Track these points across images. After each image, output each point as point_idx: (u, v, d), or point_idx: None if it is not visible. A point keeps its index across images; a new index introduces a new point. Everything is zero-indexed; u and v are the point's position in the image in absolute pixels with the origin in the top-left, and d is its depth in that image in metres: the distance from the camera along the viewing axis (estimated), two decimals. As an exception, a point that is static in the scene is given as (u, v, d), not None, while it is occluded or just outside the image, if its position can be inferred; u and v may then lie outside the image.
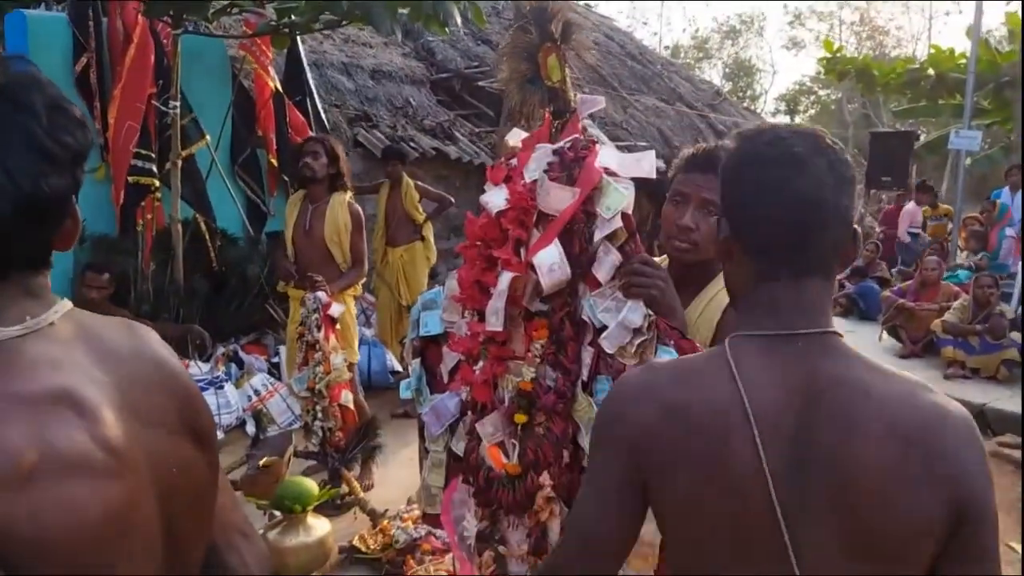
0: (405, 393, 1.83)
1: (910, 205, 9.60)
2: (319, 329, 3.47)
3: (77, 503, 0.69)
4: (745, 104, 19.57)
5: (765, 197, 0.94)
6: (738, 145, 1.00)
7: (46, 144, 0.76)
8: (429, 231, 5.50)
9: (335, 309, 3.53)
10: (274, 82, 5.56)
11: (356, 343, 4.03)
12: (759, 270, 0.98)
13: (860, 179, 13.09)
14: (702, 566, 0.95)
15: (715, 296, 1.60)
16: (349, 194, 3.89)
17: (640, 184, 1.55)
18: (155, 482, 0.80)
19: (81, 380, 0.76)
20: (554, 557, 1.18)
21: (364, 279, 3.97)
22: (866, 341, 6.88)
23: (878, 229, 11.09)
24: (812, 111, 30.86)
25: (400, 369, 5.72)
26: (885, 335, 6.71)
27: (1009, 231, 7.84)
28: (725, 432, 0.90)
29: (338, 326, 3.64)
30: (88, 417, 0.74)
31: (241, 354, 5.00)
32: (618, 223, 1.46)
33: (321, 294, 3.49)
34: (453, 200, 5.64)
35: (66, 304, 0.82)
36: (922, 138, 13.73)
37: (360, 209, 3.88)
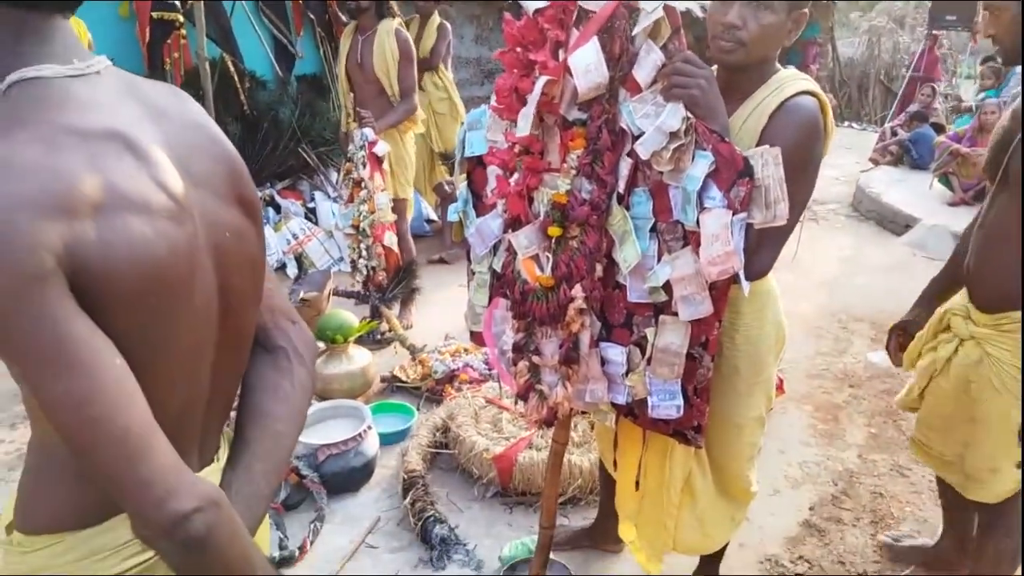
0: (452, 216, 1.81)
1: None
2: (364, 166, 3.44)
3: (143, 239, 0.69)
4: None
5: None
6: None
7: None
8: (446, 79, 5.23)
9: (380, 147, 3.46)
10: (294, -92, 5.21)
11: (411, 180, 3.96)
12: None
13: (923, 21, 12.14)
14: None
15: (761, 103, 1.50)
16: (397, 20, 3.71)
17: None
18: (210, 243, 0.80)
19: (134, 126, 0.75)
20: None
21: (415, 111, 3.81)
22: (915, 189, 6.64)
23: (908, 74, 10.34)
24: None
25: (435, 217, 5.71)
26: (936, 183, 6.45)
27: None
28: None
29: (386, 165, 3.58)
30: (144, 160, 0.73)
31: (277, 199, 5.03)
32: (660, 14, 1.35)
33: (368, 131, 3.42)
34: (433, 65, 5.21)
35: (104, 59, 0.79)
36: (997, -29, 12.53)
37: (408, 36, 3.71)
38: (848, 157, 8.63)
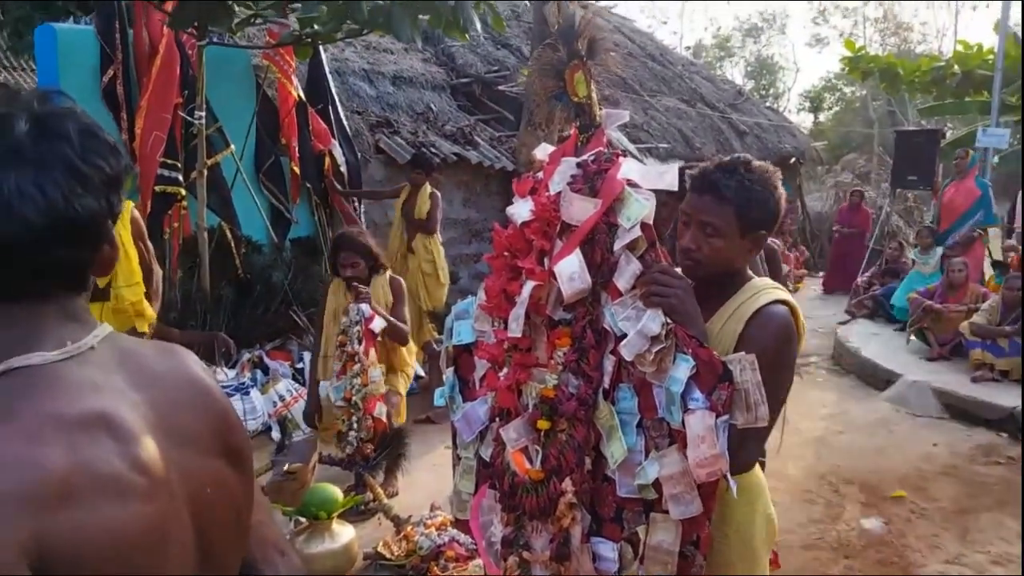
0: (439, 401, 1.85)
1: None
2: (360, 342, 3.50)
3: (111, 523, 0.71)
4: (768, 103, 19.39)
5: None
6: None
7: (78, 166, 0.77)
8: (434, 244, 5.48)
9: (376, 324, 3.55)
10: (297, 91, 5.63)
11: (413, 357, 4.07)
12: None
13: (886, 177, 12.97)
14: None
15: (739, 308, 1.59)
16: (388, 272, 3.92)
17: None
18: (189, 501, 0.82)
19: (118, 403, 0.78)
20: None
21: (405, 339, 3.92)
22: (892, 343, 6.80)
23: (835, 228, 11.00)
24: (836, 108, 30.48)
25: (422, 374, 5.73)
26: (912, 337, 6.63)
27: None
28: None
29: (379, 338, 3.66)
30: (123, 440, 0.75)
31: (266, 360, 5.06)
32: (638, 233, 1.47)
33: (364, 306, 3.52)
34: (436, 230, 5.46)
35: (106, 328, 0.84)
36: (948, 136, 13.54)
37: (402, 282, 3.95)
38: (824, 309, 8.88)
